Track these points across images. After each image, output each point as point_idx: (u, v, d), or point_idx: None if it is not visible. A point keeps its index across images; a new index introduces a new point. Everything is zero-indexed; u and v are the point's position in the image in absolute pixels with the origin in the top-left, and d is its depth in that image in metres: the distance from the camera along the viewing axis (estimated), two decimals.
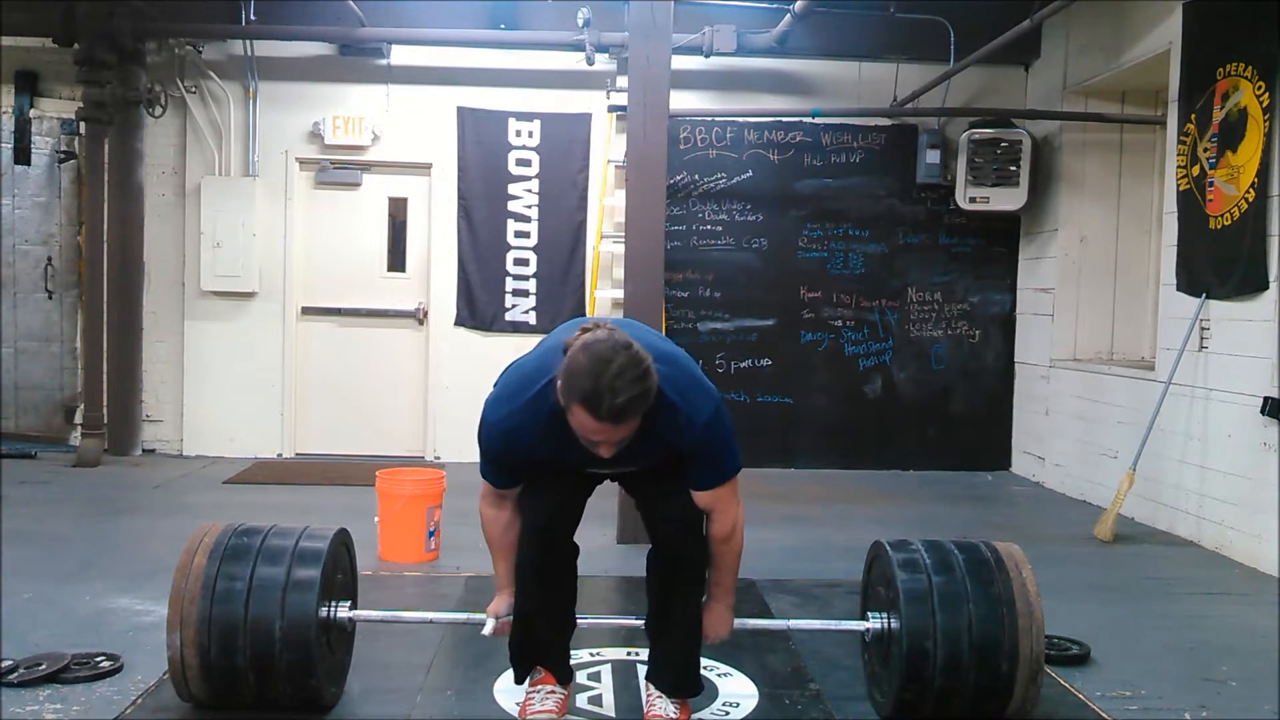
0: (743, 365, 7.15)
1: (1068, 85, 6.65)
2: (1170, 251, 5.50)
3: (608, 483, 2.83)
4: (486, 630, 2.76)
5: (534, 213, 7.07)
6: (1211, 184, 5.12)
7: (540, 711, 2.75)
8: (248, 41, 6.89)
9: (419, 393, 7.20)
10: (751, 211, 7.12)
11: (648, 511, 2.72)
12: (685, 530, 2.63)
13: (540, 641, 2.79)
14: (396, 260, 7.23)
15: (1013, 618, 2.67)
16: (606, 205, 6.87)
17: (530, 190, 7.07)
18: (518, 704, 2.85)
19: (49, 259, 7.09)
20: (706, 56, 6.71)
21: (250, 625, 2.64)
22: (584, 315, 6.93)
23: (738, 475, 2.63)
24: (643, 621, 2.89)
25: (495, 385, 2.64)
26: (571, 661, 2.92)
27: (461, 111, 7.01)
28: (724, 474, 2.60)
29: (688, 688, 2.77)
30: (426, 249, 7.16)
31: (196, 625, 2.64)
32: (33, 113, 6.99)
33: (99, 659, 3.14)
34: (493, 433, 2.57)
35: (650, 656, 2.85)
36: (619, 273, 6.30)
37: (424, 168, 7.12)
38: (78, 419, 6.87)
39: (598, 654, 3.35)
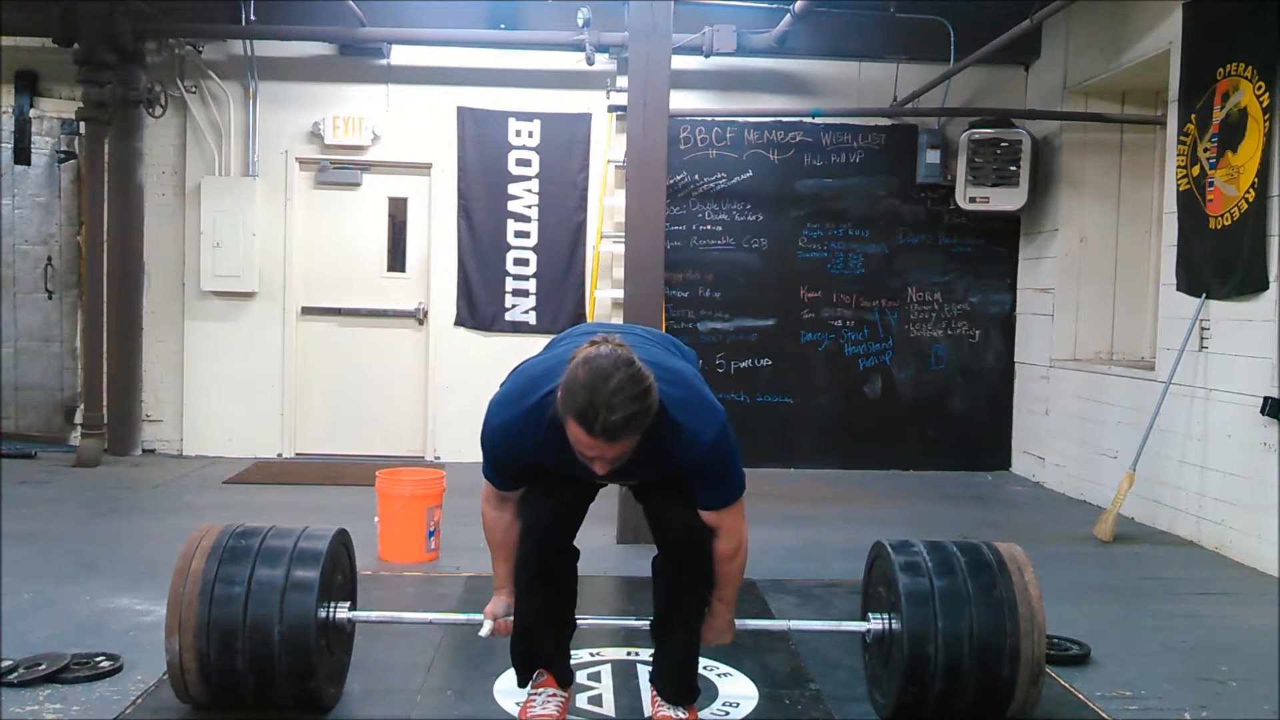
0: (743, 365, 7.15)
1: (1068, 85, 6.65)
2: (1170, 251, 5.50)
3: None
4: (483, 632, 2.76)
5: (534, 213, 7.07)
6: (1211, 184, 5.12)
7: (541, 714, 2.74)
8: (248, 41, 6.89)
9: (419, 393, 7.19)
10: (751, 211, 7.12)
11: (654, 518, 2.71)
12: (691, 539, 2.62)
13: (541, 645, 2.79)
14: (396, 260, 7.23)
15: (1014, 621, 2.66)
16: (606, 205, 6.87)
17: (530, 190, 7.06)
18: (518, 704, 2.85)
19: (49, 259, 7.09)
20: (706, 56, 6.71)
21: (249, 629, 2.63)
22: (584, 315, 6.95)
23: (743, 496, 2.62)
24: (643, 622, 2.90)
25: (501, 386, 2.63)
26: (572, 662, 2.92)
27: (461, 111, 7.01)
28: (729, 494, 2.58)
29: (684, 694, 2.77)
30: (426, 249, 7.16)
31: (195, 629, 2.63)
32: (33, 113, 6.98)
33: (99, 659, 3.14)
34: (496, 436, 2.56)
35: (653, 659, 2.85)
36: (619, 273, 6.30)
37: (424, 168, 7.12)
38: (78, 419, 6.87)
39: (598, 654, 3.35)
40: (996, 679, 2.66)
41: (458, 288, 7.09)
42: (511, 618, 2.76)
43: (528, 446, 2.52)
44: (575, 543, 2.78)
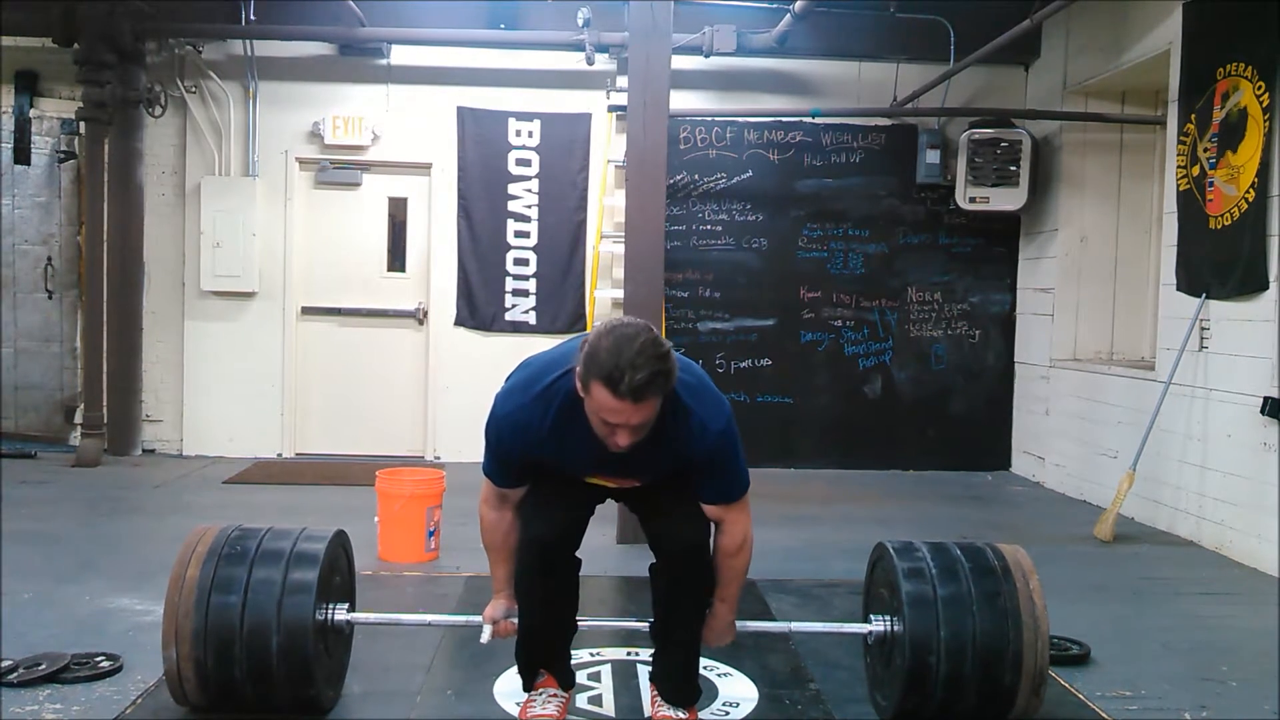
0: (743, 365, 7.15)
1: (1068, 85, 6.65)
2: (1170, 251, 5.50)
3: None
4: (484, 638, 2.74)
5: (534, 213, 7.07)
6: (1211, 184, 5.12)
7: (541, 715, 2.75)
8: (248, 41, 6.89)
9: (419, 393, 7.19)
10: (751, 211, 7.12)
11: (653, 531, 2.69)
12: (690, 553, 2.62)
13: (544, 649, 2.80)
14: (396, 260, 7.23)
15: (1018, 630, 2.65)
16: (606, 205, 6.87)
17: (530, 190, 7.06)
18: (518, 704, 2.85)
19: (49, 259, 7.09)
20: (706, 56, 6.71)
21: (246, 637, 2.62)
22: (584, 315, 6.96)
23: (747, 493, 2.62)
24: (643, 623, 2.89)
25: (508, 379, 2.62)
26: (572, 662, 2.92)
27: (461, 111, 7.01)
28: (735, 489, 2.59)
29: (684, 695, 2.78)
30: (426, 249, 7.16)
31: (192, 639, 2.62)
32: (33, 113, 6.98)
33: (99, 659, 3.14)
34: (502, 424, 2.54)
35: (654, 660, 2.86)
36: (619, 273, 6.30)
37: (424, 168, 7.12)
38: (78, 419, 6.87)
39: (598, 654, 3.35)
40: (998, 688, 2.66)
41: (458, 288, 7.09)
42: (511, 620, 2.75)
43: (533, 438, 2.50)
44: (578, 554, 2.77)
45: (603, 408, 2.29)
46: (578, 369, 2.33)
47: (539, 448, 2.52)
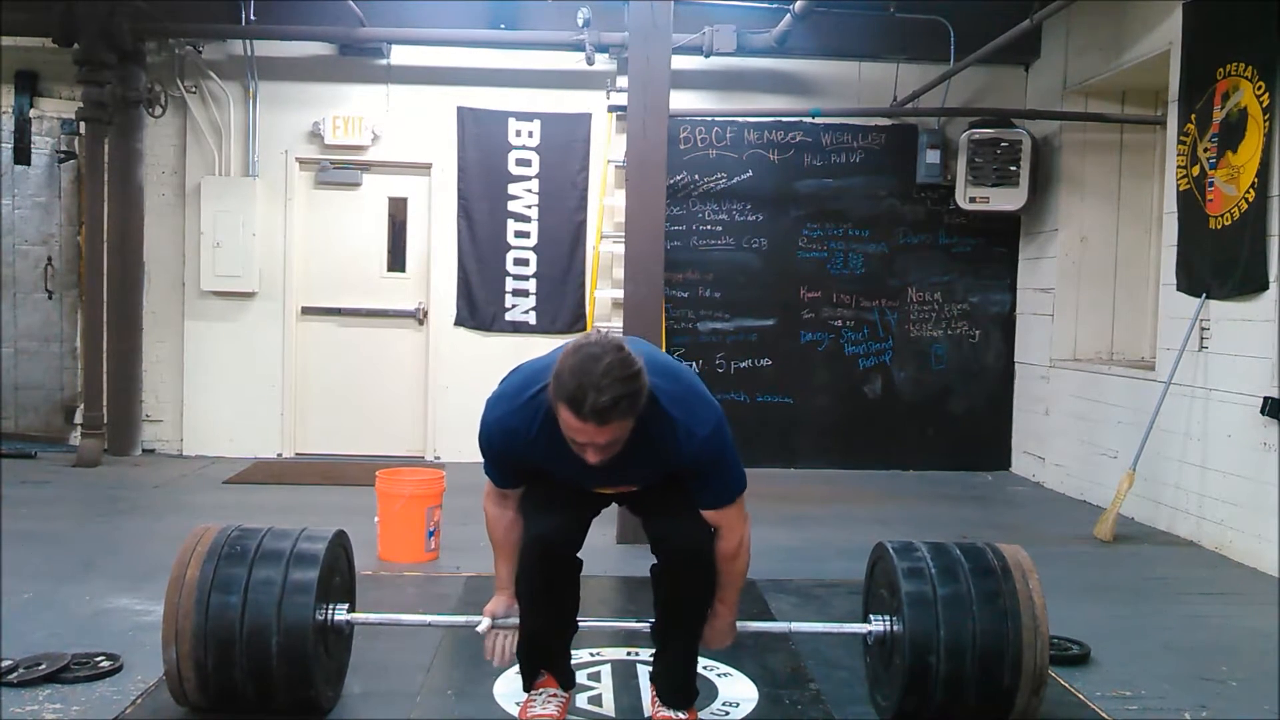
0: (743, 365, 7.14)
1: (1068, 85, 6.65)
2: (1170, 251, 5.50)
3: None
4: (481, 628, 2.75)
5: (534, 213, 7.07)
6: (1211, 184, 5.12)
7: (541, 714, 2.75)
8: (248, 41, 6.89)
9: (419, 393, 7.19)
10: (751, 211, 7.12)
11: (654, 533, 2.68)
12: (691, 554, 2.61)
13: (545, 650, 2.80)
14: (396, 260, 7.23)
15: (1017, 631, 2.65)
16: (606, 205, 6.87)
17: (530, 190, 7.06)
18: (518, 704, 2.85)
19: (49, 259, 7.09)
20: (706, 56, 6.71)
21: (246, 638, 2.62)
22: (584, 315, 6.96)
23: (743, 495, 2.61)
24: (643, 623, 2.90)
25: (499, 385, 2.63)
26: (572, 662, 2.92)
27: (461, 111, 7.01)
28: (728, 493, 2.58)
29: (685, 698, 2.78)
30: (426, 249, 7.16)
31: (192, 639, 2.63)
32: (33, 113, 6.98)
33: (99, 659, 3.14)
34: (491, 431, 2.56)
35: (654, 661, 2.86)
36: (619, 273, 6.30)
37: (424, 168, 7.12)
38: (78, 419, 6.87)
39: (598, 654, 3.35)
40: (997, 689, 2.66)
41: (458, 288, 7.09)
42: (508, 628, 2.75)
43: (520, 444, 2.51)
44: (579, 555, 2.76)
45: (568, 428, 2.30)
46: (550, 384, 2.32)
47: (528, 452, 2.53)
